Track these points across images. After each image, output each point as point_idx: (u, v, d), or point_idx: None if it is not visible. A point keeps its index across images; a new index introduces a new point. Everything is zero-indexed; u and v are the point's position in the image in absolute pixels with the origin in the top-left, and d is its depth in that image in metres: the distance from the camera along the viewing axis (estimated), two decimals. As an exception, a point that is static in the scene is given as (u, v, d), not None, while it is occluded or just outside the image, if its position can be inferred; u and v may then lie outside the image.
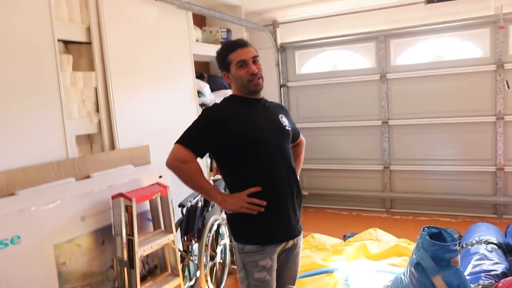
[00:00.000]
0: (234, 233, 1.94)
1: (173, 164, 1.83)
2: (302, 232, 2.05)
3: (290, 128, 1.99)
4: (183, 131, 1.88)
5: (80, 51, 2.98)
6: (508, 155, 4.66)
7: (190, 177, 1.82)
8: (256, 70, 1.87)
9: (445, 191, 4.96)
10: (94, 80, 2.93)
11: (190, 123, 1.89)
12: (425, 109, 4.94)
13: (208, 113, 1.93)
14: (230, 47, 1.90)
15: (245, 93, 1.92)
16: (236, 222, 1.93)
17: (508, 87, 4.51)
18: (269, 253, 1.87)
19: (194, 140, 1.84)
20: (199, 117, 1.92)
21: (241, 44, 1.89)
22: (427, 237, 2.67)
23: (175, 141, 1.86)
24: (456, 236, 3.22)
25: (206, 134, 1.83)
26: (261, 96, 1.98)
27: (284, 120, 1.99)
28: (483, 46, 4.64)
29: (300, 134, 2.25)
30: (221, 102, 2.02)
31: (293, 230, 1.94)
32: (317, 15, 5.23)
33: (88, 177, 2.70)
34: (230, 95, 2.01)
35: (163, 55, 3.58)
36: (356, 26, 5.12)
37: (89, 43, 2.93)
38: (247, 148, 1.82)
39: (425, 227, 2.81)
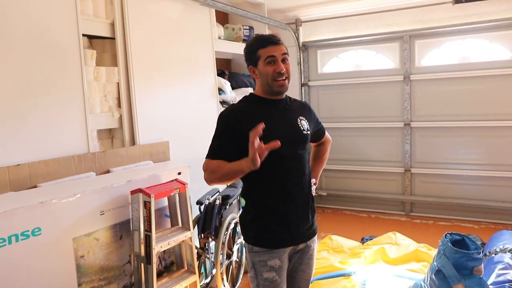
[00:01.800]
0: (244, 233, 1.93)
1: (209, 178, 1.80)
2: (317, 234, 2.00)
3: (308, 132, 1.91)
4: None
5: (104, 46, 3.00)
6: (535, 161, 4.50)
7: (225, 175, 1.74)
8: (284, 70, 1.80)
9: (467, 196, 4.83)
10: (117, 75, 2.94)
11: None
12: (449, 112, 4.81)
13: (221, 120, 1.86)
14: (261, 42, 1.82)
15: (267, 93, 1.86)
16: (245, 223, 1.92)
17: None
18: (277, 253, 1.85)
19: (218, 149, 1.81)
20: (216, 126, 1.88)
21: (273, 41, 1.82)
22: (449, 244, 2.58)
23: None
24: (479, 243, 3.11)
25: (226, 141, 1.81)
26: (284, 96, 1.91)
27: (304, 124, 1.89)
28: (512, 48, 4.49)
29: (326, 133, 2.19)
30: (238, 102, 1.97)
31: (303, 235, 1.91)
32: (340, 14, 5.15)
33: (108, 171, 2.71)
34: (250, 94, 1.96)
35: (185, 51, 3.57)
36: (380, 26, 5.03)
37: (113, 39, 2.94)
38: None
39: (448, 233, 2.72)
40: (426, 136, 5.01)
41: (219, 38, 4.18)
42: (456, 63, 4.74)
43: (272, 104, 1.88)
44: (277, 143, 1.57)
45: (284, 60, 1.82)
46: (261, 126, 1.55)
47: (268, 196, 1.84)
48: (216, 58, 3.96)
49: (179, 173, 2.79)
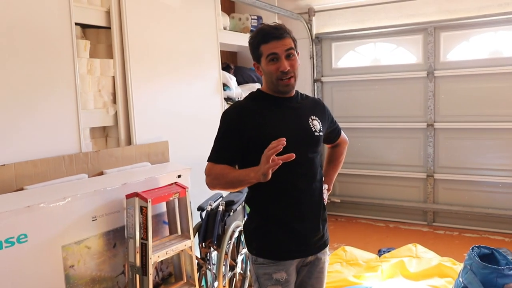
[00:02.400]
0: (248, 243, 1.92)
1: (212, 183, 1.79)
2: (328, 245, 1.99)
3: (320, 134, 1.88)
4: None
5: (99, 36, 3.00)
6: None
7: (230, 183, 1.76)
8: (288, 68, 1.76)
9: (497, 205, 4.76)
10: (112, 68, 2.94)
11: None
12: (478, 112, 4.75)
13: (224, 118, 1.87)
14: (263, 37, 1.78)
15: (274, 91, 1.84)
16: (248, 232, 1.91)
17: None
18: (284, 265, 1.82)
19: (221, 152, 1.81)
20: (219, 125, 1.87)
21: (275, 36, 1.75)
22: (477, 258, 2.55)
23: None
24: (510, 258, 3.07)
25: (230, 143, 1.80)
26: (293, 93, 1.88)
27: (316, 124, 1.86)
28: (549, 42, 4.42)
29: (342, 133, 2.16)
30: (244, 99, 1.95)
31: (312, 247, 1.90)
32: (358, 3, 5.12)
33: (101, 173, 2.71)
34: (257, 90, 1.94)
35: (187, 43, 3.56)
36: (402, 17, 4.99)
37: (108, 28, 2.94)
38: (261, 154, 1.59)
39: (475, 246, 2.69)
40: (452, 139, 4.95)
41: (225, 28, 4.18)
42: (486, 58, 4.68)
43: (280, 102, 1.85)
44: (291, 156, 1.54)
45: (288, 56, 1.77)
46: (283, 142, 1.52)
47: (274, 202, 1.82)
48: (221, 51, 3.95)
49: (179, 176, 2.78)
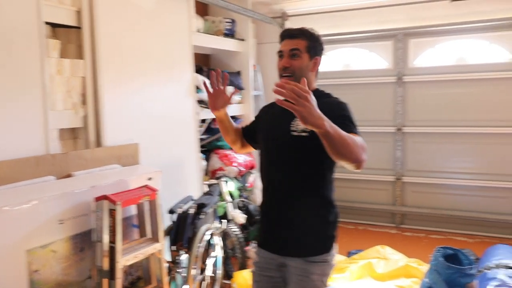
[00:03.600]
0: None
1: None
2: (309, 257, 1.85)
3: (303, 134, 1.82)
4: None
5: (69, 36, 2.94)
6: (534, 171, 4.61)
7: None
8: (286, 65, 1.86)
9: (462, 207, 4.91)
10: (82, 69, 2.88)
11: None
12: (444, 117, 4.90)
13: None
14: (280, 37, 1.95)
15: None
16: None
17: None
18: (259, 251, 1.99)
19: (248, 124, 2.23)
20: None
21: (287, 35, 1.91)
22: (441, 258, 2.62)
23: None
24: (473, 258, 3.16)
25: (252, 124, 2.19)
26: None
27: (299, 124, 1.80)
28: (512, 50, 4.59)
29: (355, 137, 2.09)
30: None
31: (277, 244, 1.91)
32: (330, 8, 5.18)
33: (69, 175, 2.65)
34: None
35: (160, 44, 3.53)
36: (373, 23, 5.09)
37: (78, 28, 2.89)
38: (259, 145, 2.06)
39: (440, 247, 2.76)
40: (419, 143, 5.08)
41: (198, 31, 4.17)
42: (452, 64, 4.84)
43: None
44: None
45: (293, 56, 1.86)
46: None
47: (262, 193, 2.01)
48: (194, 53, 3.93)
49: (150, 179, 2.75)
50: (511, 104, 4.61)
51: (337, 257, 1.96)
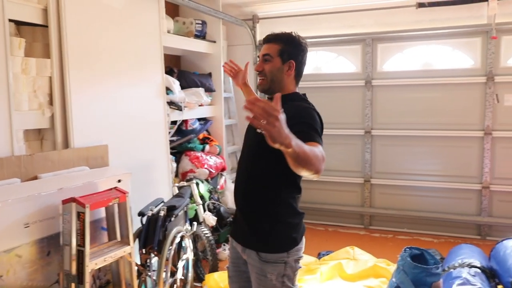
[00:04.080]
0: None
1: None
2: (261, 255, 1.90)
3: (263, 132, 1.88)
4: None
5: (35, 34, 2.87)
6: (494, 173, 4.80)
7: None
8: (259, 69, 1.96)
9: (427, 208, 5.06)
10: (49, 68, 2.82)
11: None
12: (411, 120, 5.04)
13: None
14: (263, 40, 2.04)
15: None
16: None
17: (498, 101, 4.65)
18: (230, 244, 2.10)
19: None
20: None
21: (266, 39, 2.00)
22: (408, 259, 2.70)
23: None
24: (438, 258, 3.27)
25: None
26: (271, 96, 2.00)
27: None
28: (474, 56, 4.78)
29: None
30: None
31: (237, 233, 2.05)
32: (300, 12, 5.25)
33: (35, 178, 2.58)
34: None
35: (130, 45, 3.49)
36: (342, 27, 5.19)
37: (45, 26, 2.82)
38: None
39: (407, 247, 2.84)
40: (387, 145, 5.20)
41: (168, 32, 4.13)
42: (419, 69, 4.98)
43: None
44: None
45: (265, 60, 1.95)
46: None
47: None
48: (164, 54, 3.91)
49: (119, 181, 2.72)
50: (474, 108, 4.79)
51: (302, 259, 1.99)
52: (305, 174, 1.59)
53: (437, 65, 4.92)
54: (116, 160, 3.15)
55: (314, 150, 1.57)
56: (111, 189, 2.58)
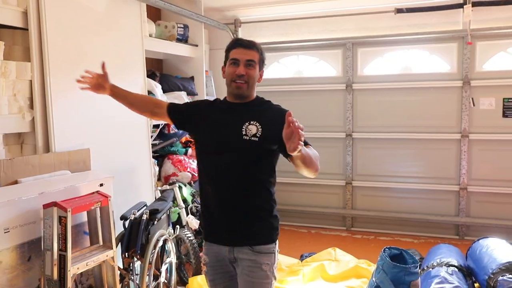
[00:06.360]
0: None
1: None
2: (254, 247, 1.99)
3: (253, 139, 1.94)
4: None
5: (14, 38, 2.85)
6: (471, 174, 4.93)
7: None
8: (243, 73, 1.96)
9: (407, 210, 5.16)
10: (30, 71, 2.80)
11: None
12: (390, 123, 5.14)
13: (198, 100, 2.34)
14: (233, 43, 2.04)
15: (230, 95, 2.05)
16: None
17: (474, 105, 4.78)
18: (207, 249, 2.09)
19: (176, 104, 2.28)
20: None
21: (244, 44, 2.01)
22: (387, 258, 2.76)
23: None
24: (417, 257, 3.34)
25: (183, 108, 2.24)
26: (248, 100, 2.04)
27: (251, 128, 1.95)
28: (451, 61, 4.91)
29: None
30: (215, 99, 2.27)
31: (220, 236, 2.04)
32: (282, 16, 5.31)
33: (15, 182, 2.56)
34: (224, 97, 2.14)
35: (111, 48, 3.48)
36: (323, 31, 5.26)
37: (25, 30, 2.80)
38: (199, 145, 2.12)
39: (386, 248, 2.90)
40: (368, 148, 5.29)
41: (150, 35, 4.14)
42: (398, 73, 5.09)
43: (231, 106, 2.05)
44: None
45: (248, 65, 1.98)
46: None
47: (202, 190, 2.12)
48: (146, 58, 3.91)
49: (101, 185, 2.71)
50: (451, 112, 4.91)
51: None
52: (307, 173, 1.89)
53: (415, 69, 5.03)
54: (98, 164, 3.13)
55: (314, 151, 1.90)
56: (93, 193, 2.58)
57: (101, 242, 2.60)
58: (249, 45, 2.01)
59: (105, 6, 3.42)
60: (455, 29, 4.75)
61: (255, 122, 1.97)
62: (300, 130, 1.64)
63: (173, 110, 2.22)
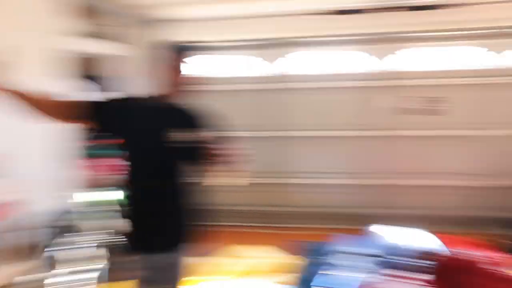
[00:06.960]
0: None
1: None
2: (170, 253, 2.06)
3: (175, 145, 2.01)
4: None
5: None
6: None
7: None
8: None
9: (309, 204, 5.34)
10: None
11: None
12: (318, 121, 5.34)
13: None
14: (174, 47, 2.16)
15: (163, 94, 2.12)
16: None
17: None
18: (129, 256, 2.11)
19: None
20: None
21: (177, 48, 2.15)
22: (308, 252, 2.94)
23: None
24: (329, 249, 3.48)
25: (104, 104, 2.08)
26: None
27: (173, 134, 2.02)
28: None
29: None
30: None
31: (150, 244, 2.05)
32: (218, 15, 5.20)
33: None
34: None
35: (36, 47, 3.39)
36: (257, 31, 5.28)
37: None
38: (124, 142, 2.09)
39: (307, 242, 3.07)
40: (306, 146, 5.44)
41: (80, 35, 4.01)
42: (327, 73, 5.31)
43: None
44: None
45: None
46: None
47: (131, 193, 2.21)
48: (77, 58, 3.81)
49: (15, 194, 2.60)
50: (374, 110, 5.16)
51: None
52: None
53: (344, 69, 5.27)
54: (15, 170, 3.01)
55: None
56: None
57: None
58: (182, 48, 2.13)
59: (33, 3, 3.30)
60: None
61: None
62: None
63: (97, 110, 2.05)
